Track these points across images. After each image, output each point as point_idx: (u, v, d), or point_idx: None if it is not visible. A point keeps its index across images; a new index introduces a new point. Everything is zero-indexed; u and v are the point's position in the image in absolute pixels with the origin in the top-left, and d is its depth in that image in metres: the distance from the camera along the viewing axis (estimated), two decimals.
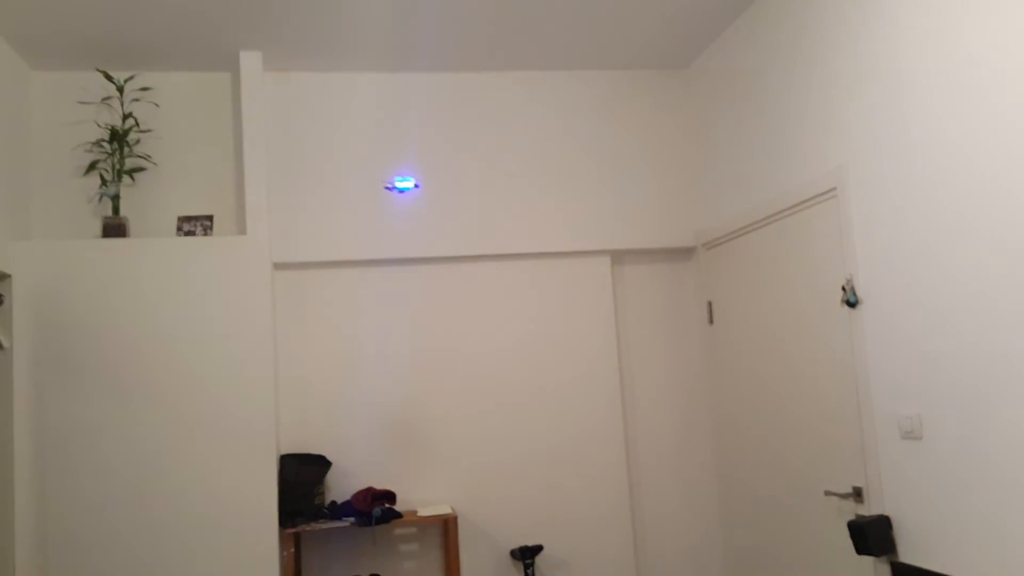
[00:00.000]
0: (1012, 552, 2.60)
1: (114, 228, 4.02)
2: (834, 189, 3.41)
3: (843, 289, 3.37)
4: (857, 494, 3.36)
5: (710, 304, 4.60)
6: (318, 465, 4.14)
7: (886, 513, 3.15)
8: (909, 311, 3.00)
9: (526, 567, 4.28)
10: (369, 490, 4.11)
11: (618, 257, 4.75)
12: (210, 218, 4.16)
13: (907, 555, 3.06)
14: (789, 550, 3.90)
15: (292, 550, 4.04)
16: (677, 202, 4.72)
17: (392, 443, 4.37)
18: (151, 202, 4.25)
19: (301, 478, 4.05)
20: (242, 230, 4.20)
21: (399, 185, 4.22)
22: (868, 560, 3.29)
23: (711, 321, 4.59)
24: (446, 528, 4.28)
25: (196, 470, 3.85)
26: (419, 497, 4.36)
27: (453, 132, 4.52)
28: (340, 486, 4.29)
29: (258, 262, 3.99)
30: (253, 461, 3.90)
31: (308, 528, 3.94)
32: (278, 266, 4.34)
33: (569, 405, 4.54)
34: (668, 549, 4.62)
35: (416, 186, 4.31)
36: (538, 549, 4.31)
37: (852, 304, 3.30)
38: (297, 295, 4.38)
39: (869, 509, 3.27)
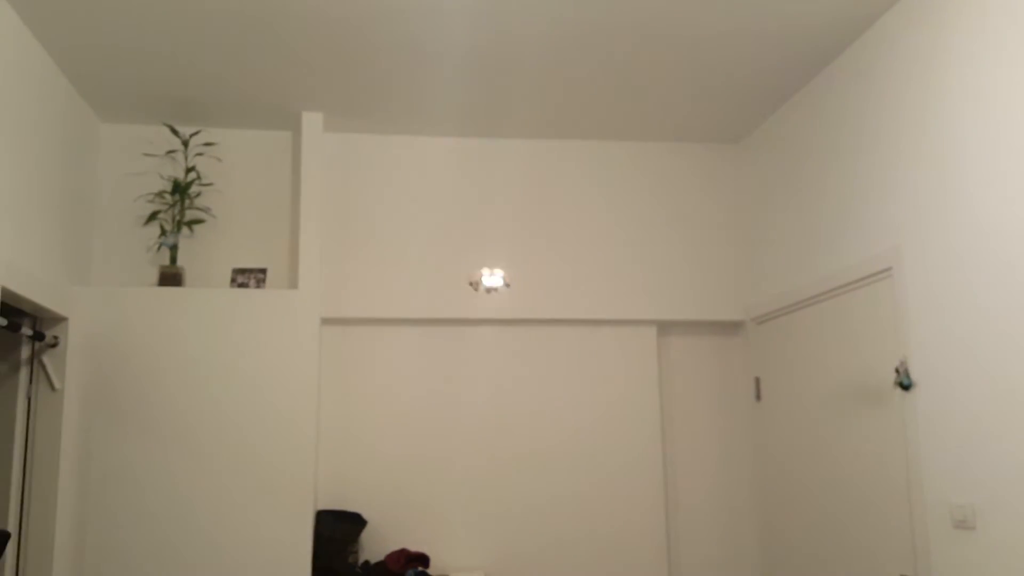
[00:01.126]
0: None
1: (171, 277, 4.11)
2: (889, 269, 3.36)
3: (896, 371, 3.29)
4: None
5: (758, 380, 4.52)
6: (353, 523, 4.11)
7: None
8: (964, 396, 2.92)
9: None
10: (403, 551, 4.07)
11: (665, 328, 4.72)
12: (264, 271, 4.23)
13: None
14: None
15: None
16: (727, 275, 4.68)
17: (428, 504, 4.33)
18: (208, 253, 4.34)
19: (336, 535, 4.02)
20: (294, 284, 4.27)
21: (487, 283, 3.98)
22: None
23: (758, 397, 4.52)
24: None
25: (232, 521, 3.85)
26: (453, 561, 4.29)
27: (502, 197, 4.56)
28: (374, 546, 4.25)
29: (307, 316, 4.03)
30: (290, 515, 3.89)
31: None
32: (326, 321, 4.38)
33: (610, 476, 4.46)
34: None
35: (507, 285, 4.12)
36: None
37: (906, 387, 3.22)
38: (343, 351, 4.41)
39: None
